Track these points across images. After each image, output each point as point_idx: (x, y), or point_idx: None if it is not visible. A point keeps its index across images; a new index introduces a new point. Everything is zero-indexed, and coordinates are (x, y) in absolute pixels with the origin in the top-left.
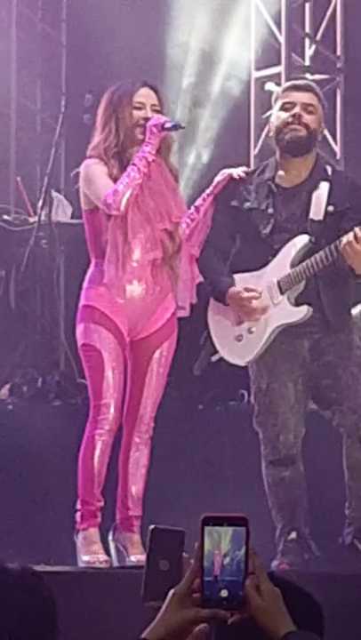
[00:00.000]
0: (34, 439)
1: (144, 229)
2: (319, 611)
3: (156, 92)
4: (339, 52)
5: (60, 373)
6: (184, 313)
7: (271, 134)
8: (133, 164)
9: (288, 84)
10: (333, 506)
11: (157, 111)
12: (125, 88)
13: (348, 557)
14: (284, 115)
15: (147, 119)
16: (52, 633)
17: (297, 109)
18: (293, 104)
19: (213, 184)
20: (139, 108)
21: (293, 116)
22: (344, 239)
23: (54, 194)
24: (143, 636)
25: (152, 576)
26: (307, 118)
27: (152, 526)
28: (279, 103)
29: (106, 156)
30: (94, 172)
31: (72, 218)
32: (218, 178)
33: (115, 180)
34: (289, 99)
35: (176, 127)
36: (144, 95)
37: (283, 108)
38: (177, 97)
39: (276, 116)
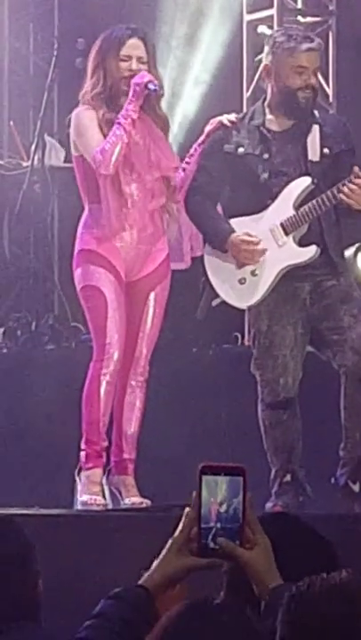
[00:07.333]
0: (28, 383)
1: (137, 181)
2: (332, 550)
3: (145, 42)
4: None
5: (53, 317)
6: (184, 265)
7: (268, 82)
8: (118, 123)
9: (303, 47)
10: (326, 447)
11: (144, 63)
12: (115, 35)
13: (342, 498)
14: (298, 80)
15: (132, 71)
16: (28, 577)
17: (311, 76)
18: (306, 69)
19: (205, 133)
20: (125, 60)
21: (306, 84)
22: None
23: (47, 138)
24: (140, 582)
25: None
26: (315, 81)
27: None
28: (289, 64)
29: (94, 102)
30: (84, 120)
31: (65, 162)
32: (208, 127)
33: (105, 122)
34: (302, 63)
35: (156, 92)
36: (132, 47)
37: (296, 72)
38: (168, 44)
39: (292, 79)
